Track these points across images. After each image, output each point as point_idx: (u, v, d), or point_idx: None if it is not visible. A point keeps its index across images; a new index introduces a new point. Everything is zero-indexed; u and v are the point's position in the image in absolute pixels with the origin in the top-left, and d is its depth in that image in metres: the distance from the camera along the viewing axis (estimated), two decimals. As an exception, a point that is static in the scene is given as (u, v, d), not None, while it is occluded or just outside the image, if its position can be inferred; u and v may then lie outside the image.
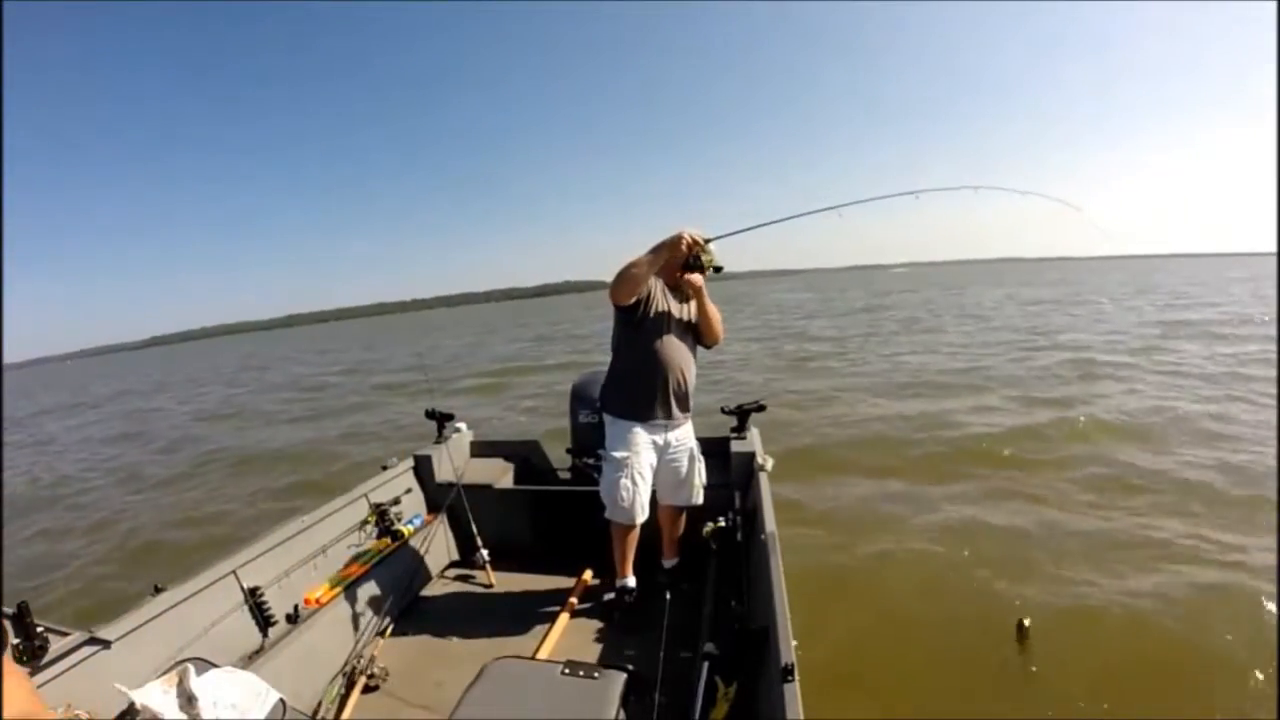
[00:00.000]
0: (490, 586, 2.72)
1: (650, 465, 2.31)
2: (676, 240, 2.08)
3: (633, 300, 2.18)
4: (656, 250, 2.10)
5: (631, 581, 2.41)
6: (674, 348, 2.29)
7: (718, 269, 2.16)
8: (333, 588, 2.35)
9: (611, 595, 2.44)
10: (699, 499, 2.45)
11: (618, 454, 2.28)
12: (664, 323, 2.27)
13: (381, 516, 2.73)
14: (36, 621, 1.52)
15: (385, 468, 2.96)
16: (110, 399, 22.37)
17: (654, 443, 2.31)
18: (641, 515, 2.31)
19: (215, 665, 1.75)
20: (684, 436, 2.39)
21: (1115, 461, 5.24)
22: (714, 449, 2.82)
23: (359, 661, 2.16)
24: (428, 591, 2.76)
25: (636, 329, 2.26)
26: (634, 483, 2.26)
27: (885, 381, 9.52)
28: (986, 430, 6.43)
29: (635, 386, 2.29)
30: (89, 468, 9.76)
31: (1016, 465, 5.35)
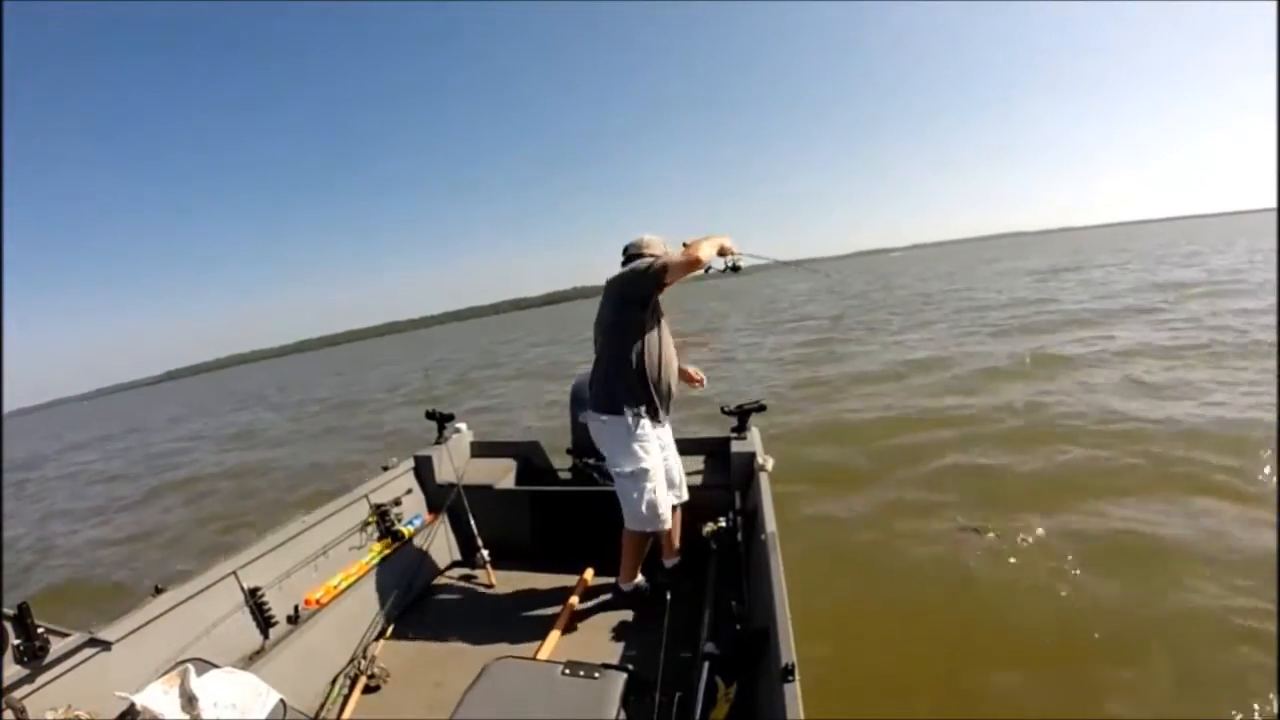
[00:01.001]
0: (491, 587, 2.72)
1: (661, 467, 2.32)
2: (723, 244, 2.19)
3: (668, 285, 2.16)
4: (711, 242, 2.14)
5: (643, 580, 2.46)
6: (671, 345, 2.32)
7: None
8: (333, 588, 2.35)
9: (623, 594, 2.46)
10: (687, 493, 2.49)
11: (644, 464, 2.21)
12: (661, 319, 2.29)
13: (382, 517, 2.73)
14: (37, 622, 1.53)
15: (386, 468, 2.96)
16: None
17: (660, 443, 2.32)
18: (668, 520, 2.33)
19: (216, 666, 1.75)
20: (669, 433, 2.43)
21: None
22: (714, 449, 2.81)
23: (360, 662, 2.16)
24: (428, 592, 2.76)
25: (646, 320, 2.19)
26: (659, 489, 2.27)
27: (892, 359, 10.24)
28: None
29: (649, 379, 2.22)
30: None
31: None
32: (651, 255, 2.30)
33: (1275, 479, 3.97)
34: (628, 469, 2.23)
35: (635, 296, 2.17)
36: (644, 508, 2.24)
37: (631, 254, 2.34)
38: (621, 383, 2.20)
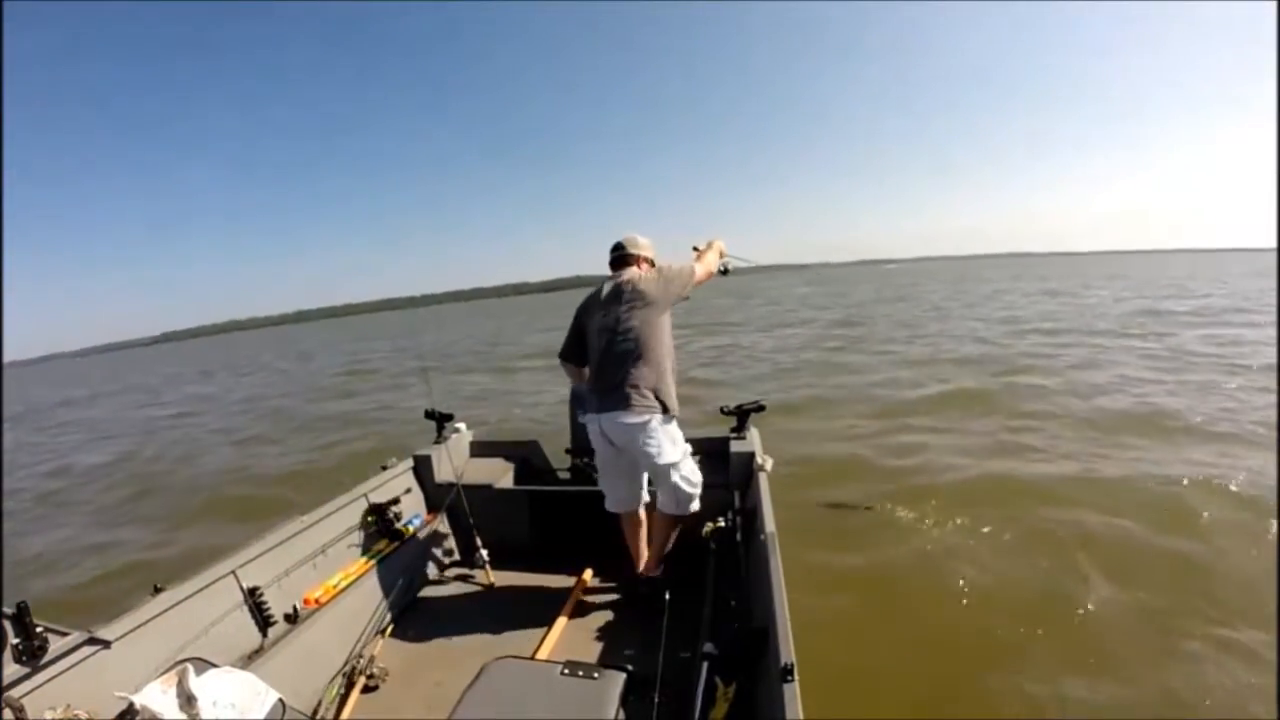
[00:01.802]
0: (490, 586, 2.72)
1: None
2: (721, 248, 2.53)
3: None
4: (715, 250, 2.51)
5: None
6: None
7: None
8: (332, 588, 2.35)
9: (646, 584, 2.48)
10: None
11: (685, 445, 2.32)
12: None
13: (381, 516, 2.73)
14: (36, 621, 1.52)
15: (385, 468, 2.95)
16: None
17: None
18: None
19: (215, 665, 1.75)
20: None
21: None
22: (714, 449, 2.82)
23: (359, 661, 2.16)
24: (427, 591, 2.76)
25: (669, 323, 2.33)
26: None
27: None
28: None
29: (676, 376, 2.33)
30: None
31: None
32: (648, 257, 2.42)
33: (1275, 476, 3.98)
34: (677, 457, 2.27)
35: (674, 302, 2.31)
36: (696, 486, 2.33)
37: (629, 253, 2.40)
38: (664, 380, 2.23)
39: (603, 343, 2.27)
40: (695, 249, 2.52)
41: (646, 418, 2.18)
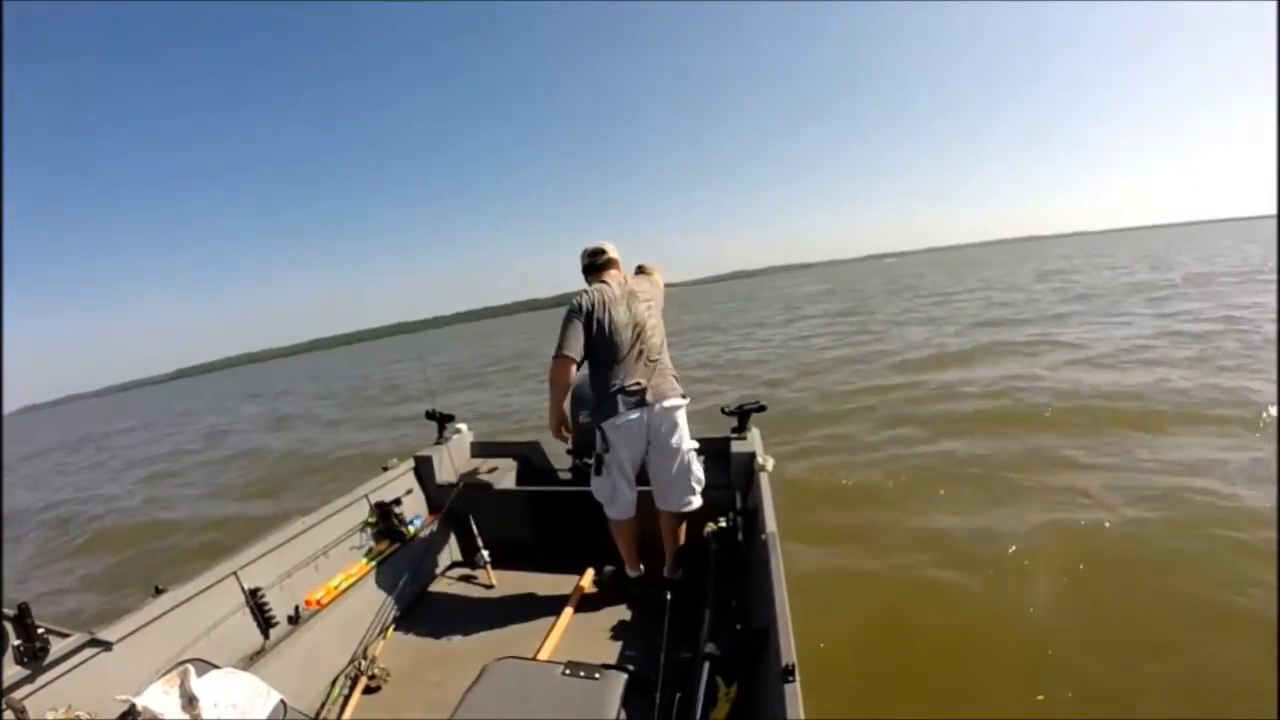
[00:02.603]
0: (491, 587, 2.72)
1: None
2: None
3: None
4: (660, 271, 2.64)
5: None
6: None
7: None
8: (334, 588, 2.35)
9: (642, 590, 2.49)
10: None
11: None
12: None
13: (383, 517, 2.73)
14: (37, 622, 1.53)
15: (386, 468, 2.96)
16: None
17: None
18: None
19: (216, 666, 1.75)
20: None
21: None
22: (714, 449, 2.81)
23: (360, 662, 2.16)
24: (429, 592, 2.76)
25: None
26: None
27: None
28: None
29: None
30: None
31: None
32: (616, 258, 2.50)
33: (1275, 473, 3.97)
34: (695, 443, 2.37)
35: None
36: (702, 479, 2.39)
37: (614, 258, 2.45)
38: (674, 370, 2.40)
39: (629, 338, 2.26)
40: (640, 268, 2.59)
41: (683, 402, 2.33)
